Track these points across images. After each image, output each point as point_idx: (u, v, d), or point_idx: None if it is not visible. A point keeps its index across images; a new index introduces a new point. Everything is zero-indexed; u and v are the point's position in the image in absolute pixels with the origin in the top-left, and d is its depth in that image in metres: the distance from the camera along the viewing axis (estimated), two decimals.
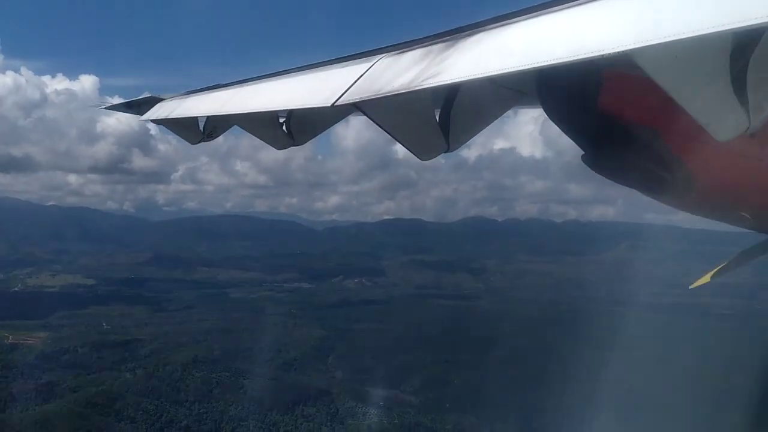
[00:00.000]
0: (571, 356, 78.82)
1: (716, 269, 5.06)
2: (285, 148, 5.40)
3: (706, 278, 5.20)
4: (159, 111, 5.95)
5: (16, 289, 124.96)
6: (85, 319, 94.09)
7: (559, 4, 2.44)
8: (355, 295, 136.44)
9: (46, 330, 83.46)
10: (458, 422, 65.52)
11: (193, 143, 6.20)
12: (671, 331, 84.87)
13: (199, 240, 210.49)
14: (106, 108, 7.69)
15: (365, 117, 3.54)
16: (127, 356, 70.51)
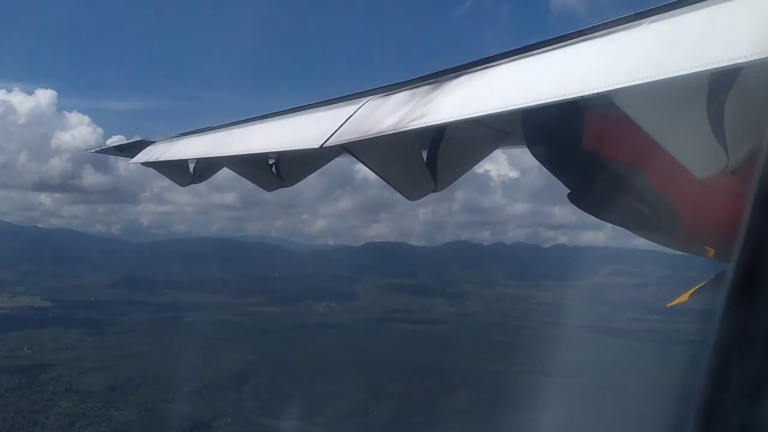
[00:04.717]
0: (514, 385, 74.27)
1: (695, 288, 4.90)
2: (274, 190, 5.39)
3: (684, 297, 5.11)
4: (149, 154, 6.08)
5: None
6: (9, 342, 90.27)
7: (540, 48, 2.55)
8: (318, 319, 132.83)
9: None
10: None
11: (183, 186, 6.30)
12: (630, 358, 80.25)
13: (176, 263, 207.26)
14: (97, 151, 7.82)
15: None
16: (23, 383, 66.46)
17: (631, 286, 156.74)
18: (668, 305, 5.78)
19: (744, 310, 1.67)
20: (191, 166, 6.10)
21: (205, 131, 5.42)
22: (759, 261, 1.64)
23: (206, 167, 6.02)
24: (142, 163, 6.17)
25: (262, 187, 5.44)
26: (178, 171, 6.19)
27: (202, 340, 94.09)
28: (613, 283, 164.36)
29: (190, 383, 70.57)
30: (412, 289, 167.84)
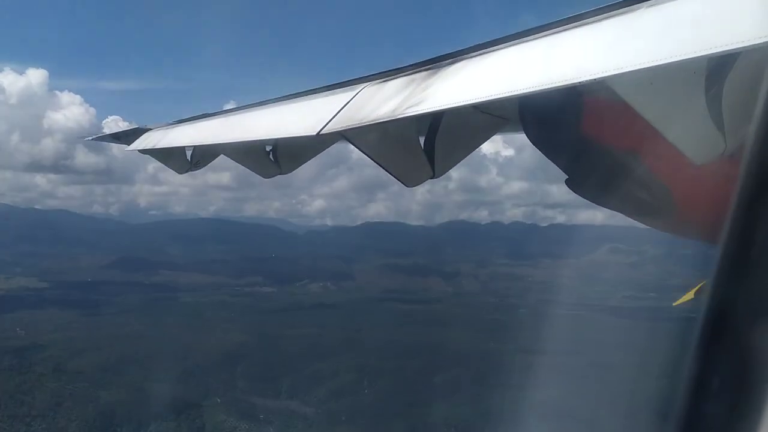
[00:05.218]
0: (509, 363, 74.30)
1: (699, 286, 4.80)
2: (272, 177, 5.49)
3: (689, 295, 5.05)
4: (146, 141, 6.13)
5: None
6: (4, 323, 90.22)
7: (537, 33, 2.54)
8: (313, 299, 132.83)
9: None
10: None
11: (180, 173, 6.38)
12: (622, 335, 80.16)
13: (173, 243, 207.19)
14: (93, 139, 8.03)
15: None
16: (13, 364, 66.31)
17: (626, 264, 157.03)
18: (674, 304, 5.78)
19: (730, 291, 1.59)
20: (188, 154, 6.16)
21: (201, 118, 5.49)
22: (745, 243, 1.58)
23: (203, 154, 6.09)
24: (139, 151, 6.20)
25: (259, 174, 5.51)
26: (175, 158, 6.25)
27: (197, 321, 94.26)
28: (610, 262, 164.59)
29: (183, 363, 70.55)
30: (409, 268, 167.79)
